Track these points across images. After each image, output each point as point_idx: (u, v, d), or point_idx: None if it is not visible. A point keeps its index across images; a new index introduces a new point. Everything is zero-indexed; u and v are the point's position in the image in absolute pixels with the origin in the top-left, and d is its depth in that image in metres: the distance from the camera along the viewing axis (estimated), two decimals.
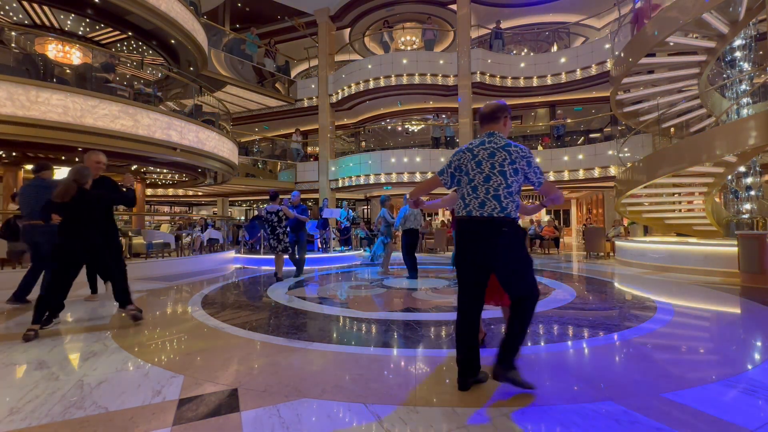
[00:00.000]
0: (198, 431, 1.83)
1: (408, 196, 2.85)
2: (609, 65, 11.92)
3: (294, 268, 7.32)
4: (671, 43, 7.56)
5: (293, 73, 18.12)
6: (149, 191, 16.09)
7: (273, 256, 6.90)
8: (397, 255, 7.59)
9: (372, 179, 13.71)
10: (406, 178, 13.29)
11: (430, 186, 2.64)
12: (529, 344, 3.13)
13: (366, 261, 9.84)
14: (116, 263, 4.03)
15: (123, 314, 3.92)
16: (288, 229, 6.83)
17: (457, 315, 2.33)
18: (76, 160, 8.51)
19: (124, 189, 4.10)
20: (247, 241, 11.91)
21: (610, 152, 12.27)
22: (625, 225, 13.27)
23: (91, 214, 3.64)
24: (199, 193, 17.91)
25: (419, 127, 17.89)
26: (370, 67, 13.84)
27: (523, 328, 2.21)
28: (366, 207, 21.58)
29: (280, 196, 6.97)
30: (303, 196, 17.88)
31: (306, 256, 7.57)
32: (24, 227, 4.62)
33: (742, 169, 7.88)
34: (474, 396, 2.18)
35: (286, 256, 6.97)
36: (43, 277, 4.54)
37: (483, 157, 2.27)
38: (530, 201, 19.23)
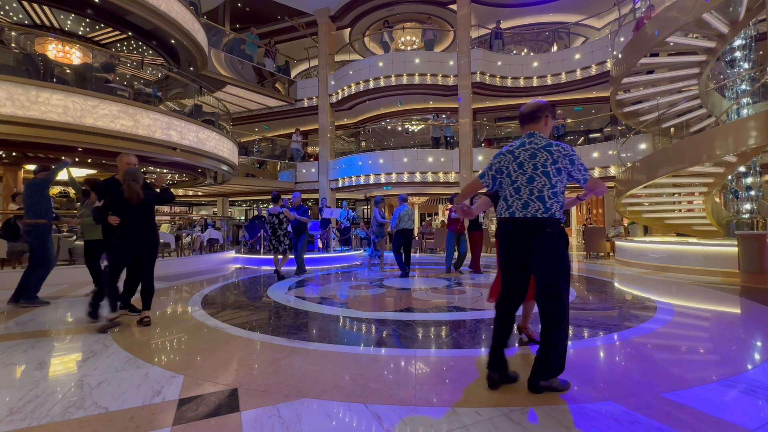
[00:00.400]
0: (198, 431, 1.83)
1: (455, 202, 2.81)
2: (609, 65, 11.92)
3: (294, 267, 7.36)
4: (671, 43, 7.56)
5: (293, 73, 18.12)
6: None
7: (272, 257, 6.98)
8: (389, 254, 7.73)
9: (372, 179, 13.71)
10: (406, 178, 13.28)
11: (473, 189, 2.63)
12: (529, 344, 3.13)
13: (365, 262, 9.85)
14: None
15: (139, 317, 3.83)
16: (289, 230, 6.87)
17: (496, 315, 2.34)
18: (77, 160, 8.51)
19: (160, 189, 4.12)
20: (247, 241, 11.91)
21: (610, 152, 12.27)
22: (625, 225, 13.27)
23: (149, 215, 3.79)
24: (199, 193, 17.91)
25: (419, 127, 17.88)
26: (370, 67, 13.84)
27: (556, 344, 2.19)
28: (366, 207, 21.58)
29: (282, 197, 7.00)
30: (303, 196, 17.98)
31: (305, 256, 7.63)
32: (24, 227, 4.64)
33: (742, 169, 7.88)
34: (474, 396, 2.18)
35: (291, 256, 7.06)
36: (30, 277, 4.58)
37: (524, 158, 2.27)
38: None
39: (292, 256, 7.32)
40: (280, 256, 6.90)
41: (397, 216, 7.08)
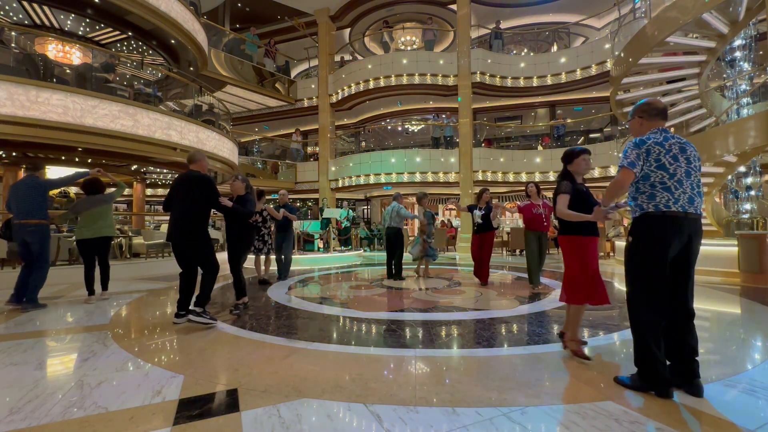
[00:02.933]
0: (198, 431, 1.83)
1: (602, 204, 2.51)
2: (609, 65, 11.92)
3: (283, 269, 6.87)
4: (671, 43, 7.55)
5: (293, 73, 18.11)
6: (149, 191, 16.10)
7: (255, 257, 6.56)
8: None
9: (372, 179, 13.71)
10: (406, 178, 13.28)
11: (625, 184, 2.33)
12: (529, 344, 3.13)
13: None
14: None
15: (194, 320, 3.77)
16: (273, 229, 6.53)
17: (647, 322, 2.21)
18: (76, 160, 8.52)
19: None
20: None
21: (611, 152, 12.27)
22: (625, 225, 13.26)
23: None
24: None
25: (419, 127, 17.88)
26: (370, 67, 13.84)
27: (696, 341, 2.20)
28: (366, 207, 21.57)
29: (265, 194, 6.72)
30: (303, 196, 17.99)
31: (301, 256, 7.28)
32: (15, 226, 4.56)
33: (742, 169, 7.88)
34: (474, 396, 2.18)
35: (272, 257, 6.68)
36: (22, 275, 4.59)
37: (676, 151, 2.24)
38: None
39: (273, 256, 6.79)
40: (263, 257, 6.50)
41: (387, 214, 6.84)
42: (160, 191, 16.97)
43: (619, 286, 6.25)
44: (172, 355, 2.94)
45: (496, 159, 13.59)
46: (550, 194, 17.87)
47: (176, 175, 11.71)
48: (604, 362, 2.76)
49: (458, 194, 13.39)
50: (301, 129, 17.16)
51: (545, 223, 5.47)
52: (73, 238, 7.45)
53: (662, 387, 2.13)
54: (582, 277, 2.80)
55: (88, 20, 9.00)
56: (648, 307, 2.21)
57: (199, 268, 4.00)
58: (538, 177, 13.26)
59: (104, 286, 5.20)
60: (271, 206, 6.36)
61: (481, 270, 6.25)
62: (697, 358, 2.18)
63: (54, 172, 9.46)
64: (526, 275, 6.98)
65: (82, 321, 4.02)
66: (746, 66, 8.14)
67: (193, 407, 2.06)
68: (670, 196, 2.19)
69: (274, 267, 6.93)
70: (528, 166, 13.55)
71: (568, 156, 2.99)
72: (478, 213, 6.25)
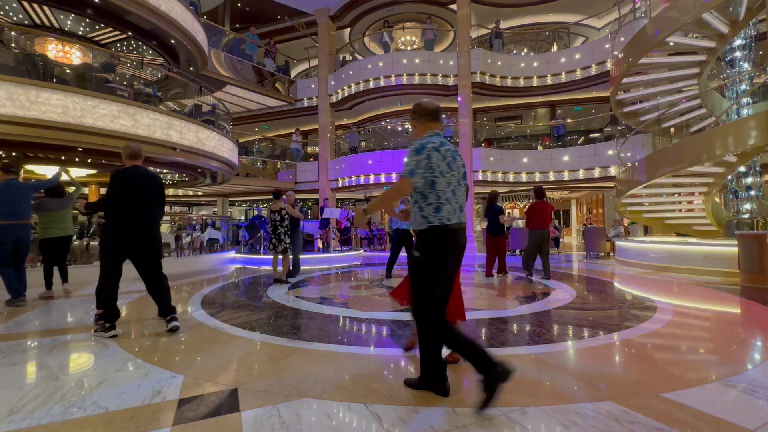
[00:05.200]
0: (198, 431, 1.83)
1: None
2: (609, 65, 11.92)
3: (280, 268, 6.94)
4: (671, 43, 7.56)
5: (293, 73, 18.11)
6: None
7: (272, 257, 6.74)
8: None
9: (372, 179, 13.70)
10: None
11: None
12: (528, 344, 3.13)
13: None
14: None
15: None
16: (288, 229, 6.69)
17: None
18: (76, 160, 8.51)
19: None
20: (246, 241, 11.91)
21: (610, 152, 12.27)
22: (625, 225, 13.27)
23: None
24: (199, 193, 17.90)
25: None
26: (369, 67, 13.84)
27: None
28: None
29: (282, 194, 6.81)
30: (303, 196, 17.97)
31: (301, 256, 7.32)
32: (20, 228, 4.78)
33: (742, 169, 7.88)
34: (474, 396, 2.18)
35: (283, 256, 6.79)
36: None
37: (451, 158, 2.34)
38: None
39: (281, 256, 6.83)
40: (280, 257, 6.65)
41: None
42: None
43: (620, 286, 6.25)
44: (172, 355, 2.94)
45: (496, 159, 13.58)
46: (550, 195, 17.86)
47: (176, 175, 11.77)
48: (603, 363, 2.75)
49: None
50: (301, 129, 17.15)
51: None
52: (74, 238, 7.46)
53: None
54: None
55: (88, 20, 8.99)
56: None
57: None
58: (538, 177, 13.25)
59: (66, 279, 5.46)
60: (290, 206, 6.52)
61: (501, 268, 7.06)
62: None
63: (54, 172, 9.45)
64: (526, 275, 7.04)
65: (82, 321, 4.02)
66: (746, 66, 8.14)
67: (193, 407, 2.05)
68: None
69: (280, 267, 6.97)
70: (528, 166, 13.54)
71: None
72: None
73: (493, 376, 1.95)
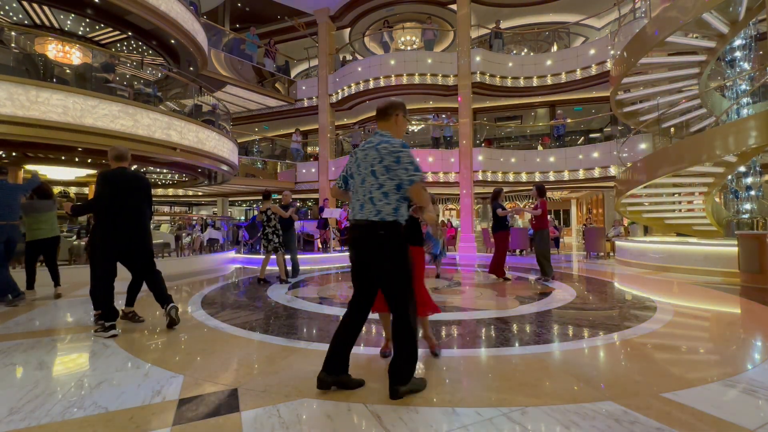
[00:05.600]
0: (198, 431, 1.83)
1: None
2: (609, 65, 11.92)
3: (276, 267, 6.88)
4: (671, 43, 7.55)
5: (293, 73, 18.11)
6: None
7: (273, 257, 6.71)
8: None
9: None
10: None
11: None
12: (529, 344, 3.13)
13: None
14: None
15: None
16: (277, 228, 6.60)
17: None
18: (76, 160, 8.51)
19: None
20: (246, 241, 11.91)
21: (611, 152, 12.27)
22: (625, 225, 13.27)
23: None
24: (199, 193, 17.90)
25: (419, 127, 17.88)
26: (369, 66, 13.83)
27: None
28: None
29: (273, 195, 6.80)
30: (302, 196, 17.97)
31: (300, 256, 7.30)
32: (13, 227, 4.87)
33: (742, 169, 7.88)
34: (474, 396, 2.18)
35: (286, 257, 6.84)
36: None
37: (360, 158, 2.39)
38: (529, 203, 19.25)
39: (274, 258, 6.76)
40: (272, 257, 6.60)
41: None
42: (160, 191, 16.92)
43: (619, 286, 6.25)
44: (172, 355, 2.94)
45: (496, 159, 13.59)
46: (550, 195, 17.81)
47: (176, 175, 11.76)
48: (604, 363, 2.75)
49: (458, 194, 13.39)
50: (301, 129, 17.15)
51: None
52: (74, 238, 7.46)
53: None
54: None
55: (88, 20, 8.99)
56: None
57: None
58: (538, 177, 13.26)
59: (58, 282, 5.47)
60: (277, 206, 6.53)
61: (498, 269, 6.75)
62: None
63: (54, 172, 9.46)
64: (526, 275, 7.03)
65: (82, 321, 4.02)
66: (746, 66, 8.13)
67: (192, 407, 2.05)
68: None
69: (272, 267, 6.95)
70: (528, 166, 13.54)
71: None
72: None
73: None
